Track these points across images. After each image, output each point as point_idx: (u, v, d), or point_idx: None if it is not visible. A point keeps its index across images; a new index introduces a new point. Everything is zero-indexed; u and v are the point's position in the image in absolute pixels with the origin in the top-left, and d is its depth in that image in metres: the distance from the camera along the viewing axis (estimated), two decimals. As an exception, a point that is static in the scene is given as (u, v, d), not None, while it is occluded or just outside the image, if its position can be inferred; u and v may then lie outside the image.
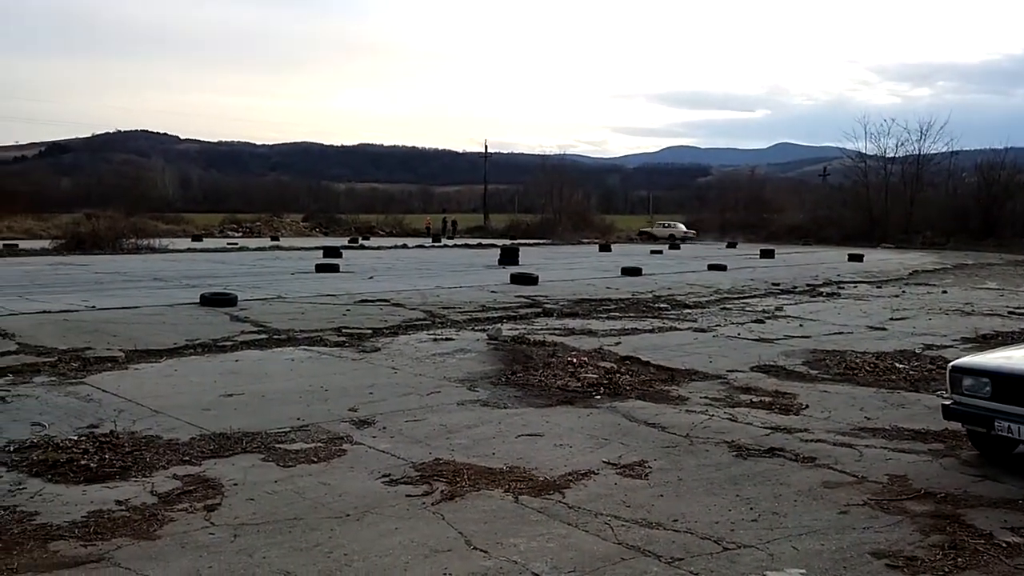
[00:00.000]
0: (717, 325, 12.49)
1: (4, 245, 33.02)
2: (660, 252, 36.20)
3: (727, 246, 42.65)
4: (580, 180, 75.73)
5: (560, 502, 4.76)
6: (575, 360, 8.80)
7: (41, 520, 4.33)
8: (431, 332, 11.21)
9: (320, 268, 21.44)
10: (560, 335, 10.93)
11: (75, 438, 5.76)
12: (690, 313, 14.00)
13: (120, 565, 3.78)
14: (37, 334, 9.70)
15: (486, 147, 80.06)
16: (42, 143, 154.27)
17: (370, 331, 11.06)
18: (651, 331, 11.75)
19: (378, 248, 37.88)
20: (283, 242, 42.10)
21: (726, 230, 55.19)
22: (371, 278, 19.31)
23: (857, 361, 9.24)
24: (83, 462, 5.26)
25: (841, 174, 62.55)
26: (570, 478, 5.20)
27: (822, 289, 19.23)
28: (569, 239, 50.97)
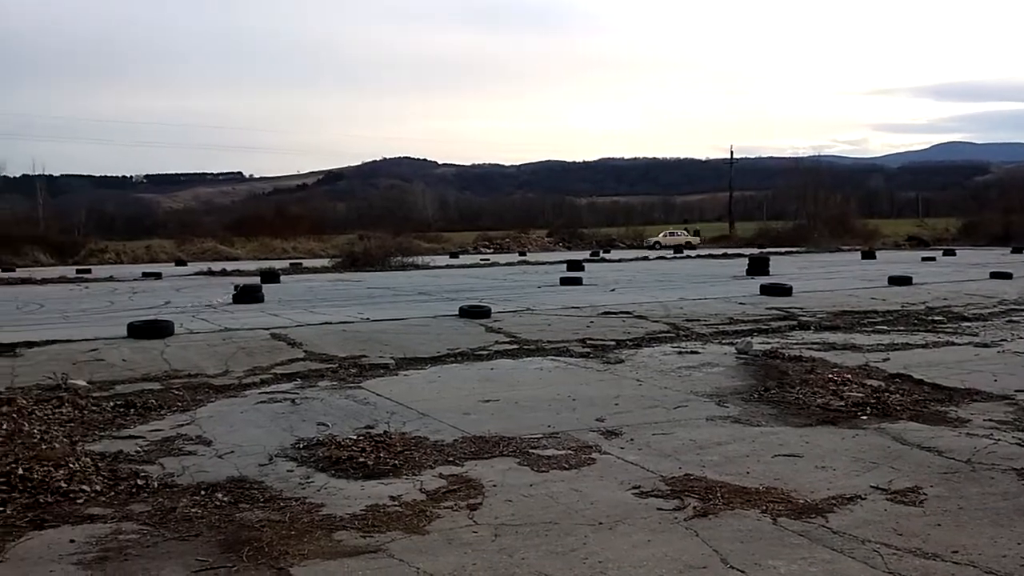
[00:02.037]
0: (1003, 340, 11.09)
1: (291, 263, 37.47)
2: (932, 259, 32.86)
3: (1012, 251, 37.73)
4: (837, 182, 71.04)
5: (823, 526, 4.47)
6: (837, 377, 8.23)
7: (326, 511, 4.82)
8: (675, 345, 11.04)
9: (564, 281, 21.96)
10: (818, 350, 10.29)
11: (354, 437, 6.34)
12: (970, 326, 12.56)
13: (394, 557, 4.11)
14: (321, 343, 10.85)
15: (731, 153, 78.00)
16: (320, 172, 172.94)
17: (613, 343, 11.13)
18: (924, 346, 10.70)
19: (619, 260, 38.12)
20: (529, 257, 43.73)
21: (1012, 234, 48.76)
22: (613, 290, 19.43)
23: None
24: (361, 460, 5.78)
25: None
26: (833, 502, 4.86)
27: None
28: (826, 246, 47.89)
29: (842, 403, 7.37)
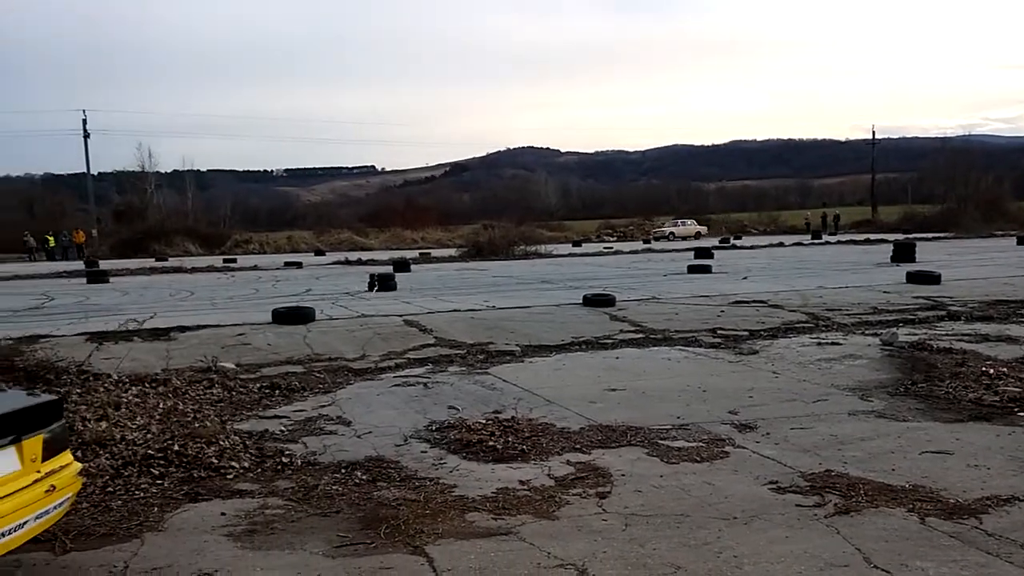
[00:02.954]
0: None
1: (420, 253, 38.49)
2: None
3: None
4: (990, 163, 66.03)
5: (976, 528, 4.18)
6: (991, 371, 7.66)
7: (459, 492, 4.93)
8: (814, 336, 10.59)
9: (692, 269, 21.50)
10: (970, 342, 9.62)
11: (483, 421, 6.46)
12: None
13: (525, 540, 4.15)
14: (450, 330, 11.09)
15: (873, 133, 73.94)
16: (447, 163, 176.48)
17: (746, 333, 10.80)
18: (1093, 338, 9.81)
19: (751, 247, 36.92)
20: (654, 245, 43.05)
21: None
22: (745, 278, 18.86)
23: None
24: (491, 443, 5.88)
25: None
26: (988, 503, 4.54)
27: None
28: (977, 231, 44.70)
29: (996, 398, 6.87)
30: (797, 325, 11.37)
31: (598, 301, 13.15)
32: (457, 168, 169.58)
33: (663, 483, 5.03)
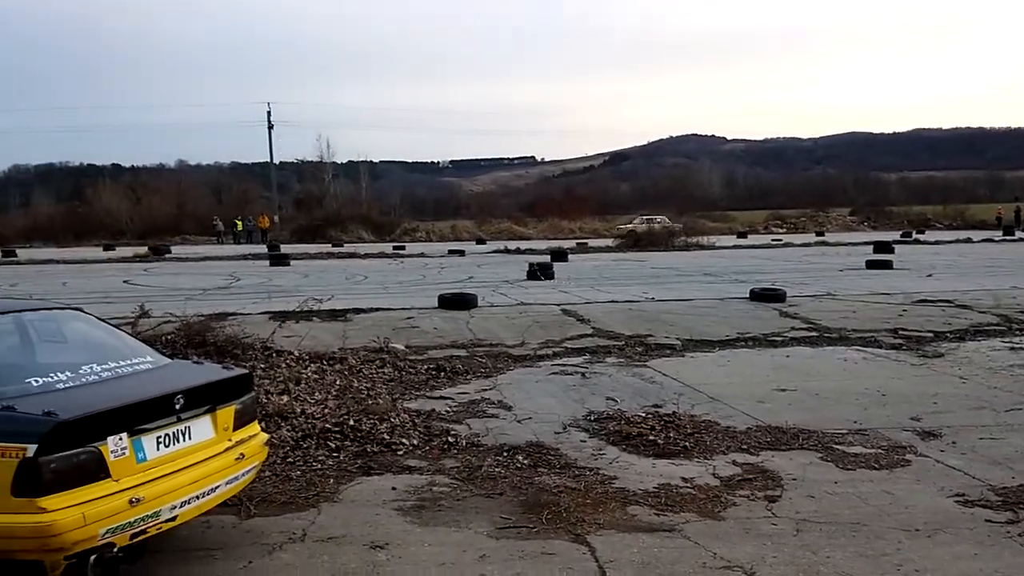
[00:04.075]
0: None
1: (577, 243, 38.55)
2: None
3: None
4: None
5: None
6: None
7: (619, 485, 4.89)
8: (1007, 339, 9.69)
9: (870, 264, 20.22)
10: None
11: (643, 415, 6.37)
12: None
13: (689, 538, 4.05)
14: (607, 321, 11.02)
15: (1080, 120, 66.32)
16: (606, 153, 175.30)
17: (931, 334, 10.03)
18: None
19: (935, 243, 34.29)
20: (828, 237, 40.89)
21: None
22: (929, 276, 17.53)
23: None
24: (651, 438, 5.79)
25: None
26: None
27: None
28: None
29: None
30: (987, 327, 10.44)
31: (767, 296, 12.63)
32: (617, 157, 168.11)
33: (838, 489, 4.77)
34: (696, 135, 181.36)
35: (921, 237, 39.46)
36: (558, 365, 8.51)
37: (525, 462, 5.28)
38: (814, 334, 10.14)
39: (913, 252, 27.09)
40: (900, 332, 10.16)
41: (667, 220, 54.89)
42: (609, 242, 36.93)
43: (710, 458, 5.40)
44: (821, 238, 40.40)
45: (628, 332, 10.17)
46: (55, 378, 3.59)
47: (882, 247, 26.21)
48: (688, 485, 4.85)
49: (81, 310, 4.60)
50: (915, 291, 14.00)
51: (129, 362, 3.98)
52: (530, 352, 9.17)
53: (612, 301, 13.08)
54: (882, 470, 5.14)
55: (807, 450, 5.56)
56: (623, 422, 6.14)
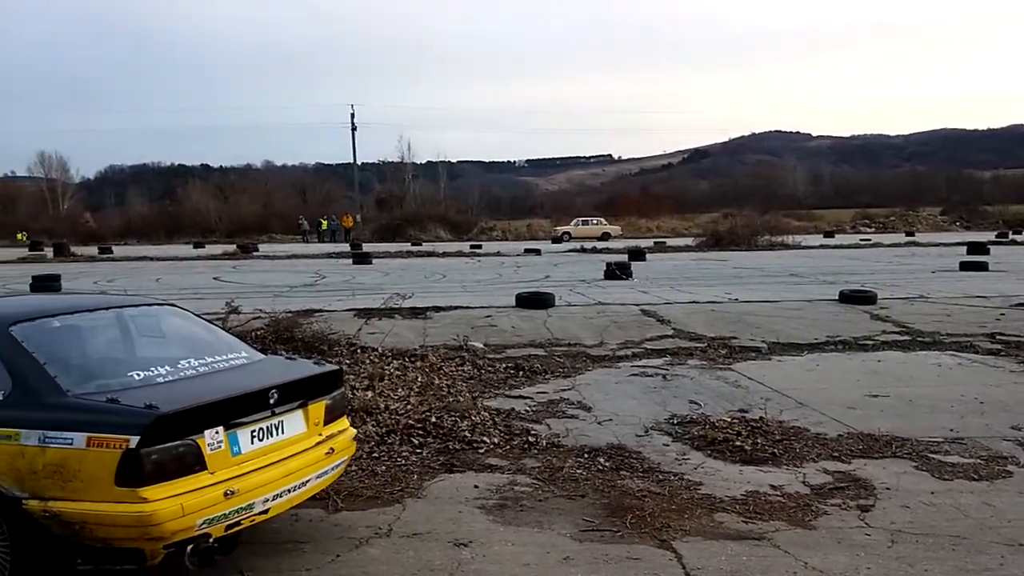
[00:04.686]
0: None
1: (655, 242, 38.08)
2: None
3: None
4: None
5: None
6: None
7: (705, 491, 4.79)
8: (1122, 346, 9.10)
9: (964, 266, 19.33)
10: None
11: (728, 420, 6.22)
12: None
13: (779, 547, 3.94)
14: (689, 322, 10.83)
15: None
16: (685, 150, 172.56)
17: (1034, 339, 9.50)
18: None
19: (1036, 243, 32.57)
20: (919, 237, 39.31)
21: None
22: (1032, 278, 16.62)
23: None
24: (737, 443, 5.65)
25: None
26: None
27: None
28: None
29: None
30: (1100, 334, 9.82)
31: (856, 298, 12.20)
32: (696, 155, 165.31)
33: (934, 500, 4.57)
34: (780, 131, 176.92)
35: (1018, 238, 37.53)
36: (638, 366, 8.41)
37: (607, 465, 5.24)
38: (906, 338, 9.74)
39: (1010, 253, 25.78)
40: (998, 337, 9.67)
41: (603, 222, 51.24)
42: (689, 241, 36.39)
43: (800, 465, 5.24)
44: (911, 238, 38.85)
45: (711, 334, 9.97)
46: (155, 372, 3.73)
47: (976, 248, 25.02)
48: (777, 493, 4.72)
49: (178, 306, 4.77)
50: (1013, 294, 13.30)
51: (224, 357, 4.11)
52: (609, 353, 9.09)
53: (693, 302, 12.85)
54: (981, 481, 4.90)
55: (901, 459, 5.34)
56: (708, 427, 6.02)
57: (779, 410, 6.56)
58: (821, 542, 4.00)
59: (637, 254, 25.34)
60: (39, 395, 3.42)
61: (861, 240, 37.82)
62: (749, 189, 78.71)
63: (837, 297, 12.51)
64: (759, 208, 46.47)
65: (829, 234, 43.52)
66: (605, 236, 46.94)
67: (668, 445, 5.73)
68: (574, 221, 51.24)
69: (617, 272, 17.82)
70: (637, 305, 12.38)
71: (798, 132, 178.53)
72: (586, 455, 5.43)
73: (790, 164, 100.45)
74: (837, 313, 11.41)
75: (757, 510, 4.44)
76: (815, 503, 4.54)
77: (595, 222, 50.76)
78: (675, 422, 6.30)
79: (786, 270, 20.32)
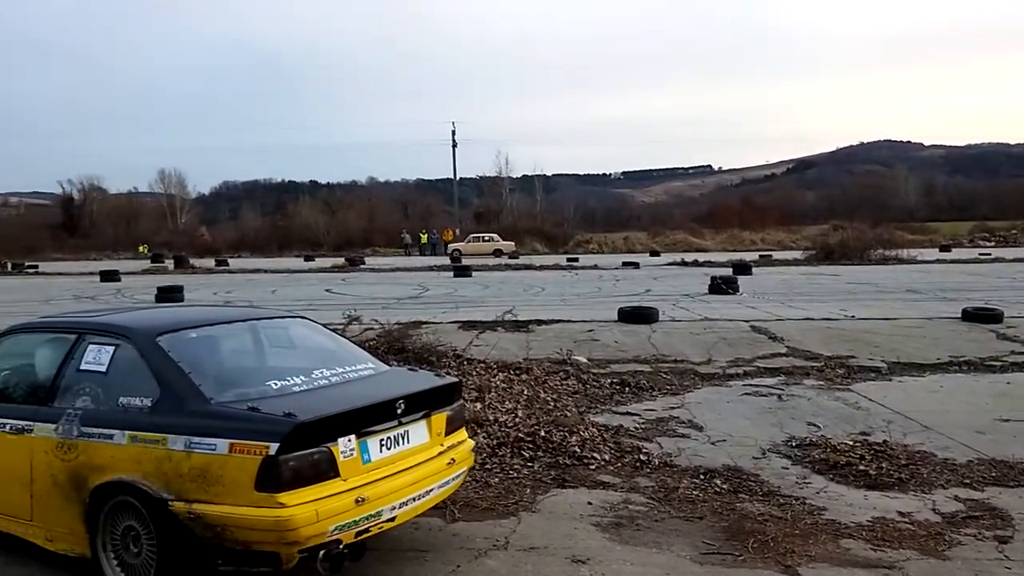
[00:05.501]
0: None
1: (760, 255, 37.09)
2: None
3: None
4: None
5: None
6: None
7: (829, 516, 4.63)
8: None
9: (1102, 283, 18.04)
10: None
11: (850, 443, 5.99)
12: None
13: (911, 578, 3.78)
14: (803, 339, 10.50)
15: None
16: (789, 160, 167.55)
17: None
18: None
19: None
20: (1045, 252, 36.87)
21: None
22: None
23: None
24: (861, 467, 5.44)
25: None
26: None
27: None
28: None
29: None
30: None
31: (981, 316, 11.55)
32: (801, 165, 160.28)
33: (1084, 535, 4.27)
34: (890, 140, 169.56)
35: None
36: (750, 385, 8.22)
37: (724, 486, 5.13)
38: (1039, 359, 9.17)
39: None
40: None
41: (496, 238, 49.35)
42: (796, 254, 35.27)
43: (928, 492, 5.00)
44: (1036, 252, 36.51)
45: (827, 352, 9.63)
46: (291, 381, 3.90)
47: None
48: (906, 520, 4.52)
49: (307, 318, 4.98)
50: None
51: (354, 368, 4.25)
52: (718, 370, 8.92)
53: (806, 318, 12.45)
54: None
55: (1041, 489, 5.02)
56: (828, 449, 5.81)
57: (903, 433, 6.28)
58: (956, 574, 3.81)
59: (742, 267, 24.72)
60: (185, 403, 3.62)
61: (980, 254, 35.75)
62: (858, 200, 75.64)
63: (959, 315, 11.88)
64: (869, 220, 44.64)
65: (945, 248, 41.38)
66: (497, 252, 45.66)
67: (787, 468, 5.57)
68: (467, 238, 50.56)
69: (723, 286, 17.45)
70: (746, 321, 12.09)
71: (909, 141, 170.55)
72: (701, 476, 5.34)
73: (901, 174, 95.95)
74: (960, 332, 10.84)
75: (885, 537, 4.26)
76: (948, 532, 4.32)
77: (487, 238, 49.91)
78: (793, 444, 6.11)
79: (902, 286, 19.44)
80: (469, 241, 49.00)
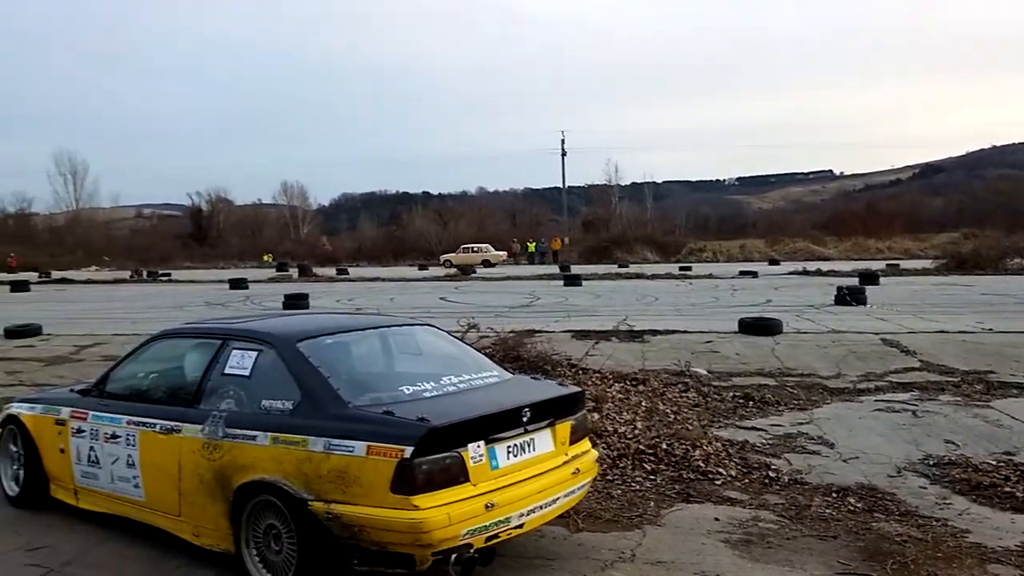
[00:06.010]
0: None
1: (886, 264, 35.36)
2: None
3: None
4: None
5: None
6: None
7: (973, 539, 4.37)
8: None
9: None
10: None
11: (993, 463, 5.65)
12: None
13: (1075, 612, 3.51)
14: (937, 353, 9.95)
15: None
16: (915, 165, 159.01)
17: None
18: None
19: None
20: None
21: None
22: None
23: None
24: (1007, 489, 5.12)
25: None
26: None
27: None
28: None
29: None
30: None
31: None
32: (929, 170, 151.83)
33: None
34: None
35: None
36: (882, 401, 7.84)
37: (858, 505, 4.92)
38: None
39: None
40: None
41: (489, 249, 49.05)
42: (926, 263, 33.43)
43: (1087, 520, 4.64)
44: None
45: (964, 367, 9.10)
46: (422, 387, 4.00)
47: None
48: (1062, 550, 4.20)
49: (433, 325, 5.10)
50: None
51: (480, 375, 4.33)
52: (848, 385, 8.56)
53: (941, 331, 11.79)
54: None
55: None
56: (970, 469, 5.50)
57: (1055, 455, 5.85)
58: None
59: (869, 277, 23.63)
60: (324, 406, 3.78)
61: None
62: (990, 206, 70.95)
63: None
64: (1003, 227, 41.85)
65: (1092, 256, 38.27)
66: (486, 263, 45.92)
67: (925, 488, 5.29)
68: (458, 249, 50.59)
69: (848, 297, 16.75)
70: (876, 334, 11.57)
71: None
72: (834, 494, 5.14)
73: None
74: (1118, 347, 10.01)
75: (1040, 566, 3.98)
76: (1115, 566, 3.99)
77: (475, 249, 49.92)
78: (931, 463, 5.80)
79: (1046, 297, 18.13)
80: (460, 252, 50.26)
